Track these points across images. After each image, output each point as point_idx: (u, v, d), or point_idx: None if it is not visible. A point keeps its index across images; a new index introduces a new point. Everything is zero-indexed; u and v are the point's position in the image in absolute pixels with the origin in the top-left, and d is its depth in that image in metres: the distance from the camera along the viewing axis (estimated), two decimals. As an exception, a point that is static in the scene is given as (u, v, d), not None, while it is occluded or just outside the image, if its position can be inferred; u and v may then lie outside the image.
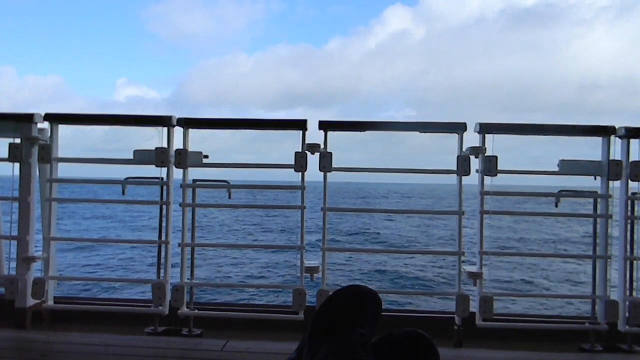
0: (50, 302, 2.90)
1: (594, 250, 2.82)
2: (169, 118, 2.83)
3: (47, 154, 2.84)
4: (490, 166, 2.72)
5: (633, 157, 2.71)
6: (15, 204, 2.85)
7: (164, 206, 2.85)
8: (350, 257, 16.07)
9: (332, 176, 2.83)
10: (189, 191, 2.90)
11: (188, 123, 2.87)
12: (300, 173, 2.79)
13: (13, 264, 2.87)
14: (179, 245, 2.84)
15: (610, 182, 2.75)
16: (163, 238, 2.85)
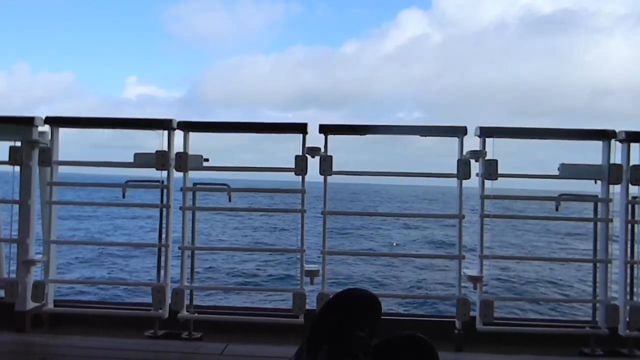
0: (50, 305, 2.90)
1: (595, 254, 2.81)
2: (169, 121, 2.84)
3: (47, 157, 2.84)
4: (490, 170, 2.72)
5: (633, 161, 2.71)
6: (16, 207, 2.85)
7: (164, 209, 2.86)
8: (351, 261, 16.02)
9: (331, 177, 2.83)
10: (189, 194, 2.90)
11: (188, 126, 2.88)
12: (300, 177, 2.79)
13: (13, 267, 2.87)
14: (179, 248, 2.84)
15: (611, 186, 2.75)
16: (163, 241, 2.85)
